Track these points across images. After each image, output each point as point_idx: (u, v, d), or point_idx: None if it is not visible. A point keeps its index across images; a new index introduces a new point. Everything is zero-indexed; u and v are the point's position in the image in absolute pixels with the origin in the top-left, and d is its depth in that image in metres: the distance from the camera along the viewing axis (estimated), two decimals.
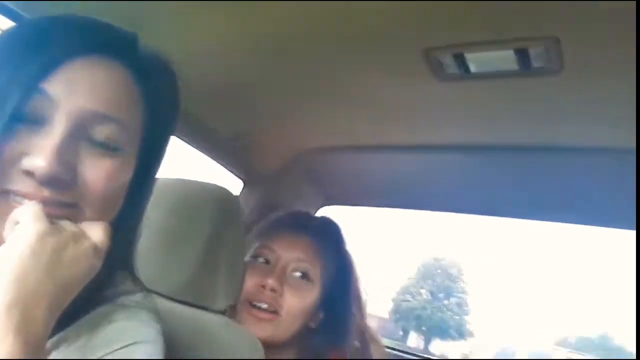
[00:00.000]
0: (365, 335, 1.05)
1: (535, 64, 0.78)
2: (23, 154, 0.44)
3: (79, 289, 0.45)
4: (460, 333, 25.45)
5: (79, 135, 0.46)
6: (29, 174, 0.44)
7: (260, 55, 0.96)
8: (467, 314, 26.45)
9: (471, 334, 26.00)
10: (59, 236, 0.43)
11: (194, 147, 1.32)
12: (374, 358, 1.03)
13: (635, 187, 0.94)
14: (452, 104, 1.01)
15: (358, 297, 1.06)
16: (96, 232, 0.47)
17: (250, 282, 0.94)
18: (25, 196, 0.45)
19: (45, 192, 0.45)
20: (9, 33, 0.49)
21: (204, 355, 0.73)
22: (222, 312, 0.83)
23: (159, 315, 0.57)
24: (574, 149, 1.08)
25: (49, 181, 0.44)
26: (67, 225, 0.46)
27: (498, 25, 0.73)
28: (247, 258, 1.01)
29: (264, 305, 0.93)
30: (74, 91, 0.46)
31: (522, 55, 0.77)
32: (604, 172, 1.12)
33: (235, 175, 1.52)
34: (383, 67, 0.93)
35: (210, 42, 0.93)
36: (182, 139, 1.27)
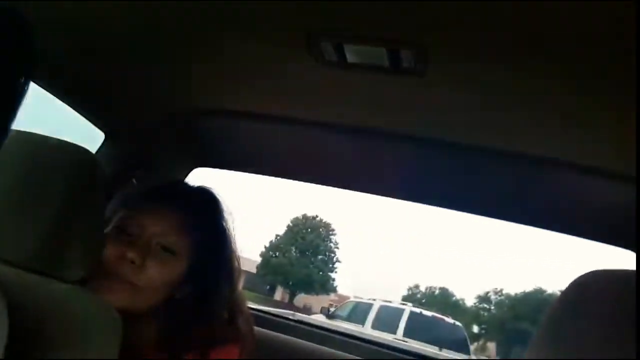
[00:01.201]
0: (234, 306, 1.04)
1: (405, 64, 0.84)
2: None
3: None
4: (324, 288, 27.13)
5: None
6: None
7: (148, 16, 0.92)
8: (332, 272, 28.19)
9: (334, 290, 27.86)
10: None
11: (52, 92, 1.20)
12: (240, 327, 1.02)
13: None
14: (329, 87, 1.06)
15: (231, 269, 1.04)
16: None
17: (111, 253, 0.89)
18: None
19: None
20: None
21: (54, 326, 0.70)
22: (77, 283, 0.80)
23: (1, 287, 0.54)
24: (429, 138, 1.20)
25: None
26: None
27: (375, 25, 0.78)
28: (109, 228, 0.96)
29: (122, 278, 0.89)
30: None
31: (394, 54, 0.83)
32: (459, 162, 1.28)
33: (98, 127, 1.41)
34: (269, 42, 0.93)
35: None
36: (42, 86, 1.15)
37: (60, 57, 1.10)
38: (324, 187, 1.63)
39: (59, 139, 0.80)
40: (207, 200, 1.07)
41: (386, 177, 1.46)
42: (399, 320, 8.90)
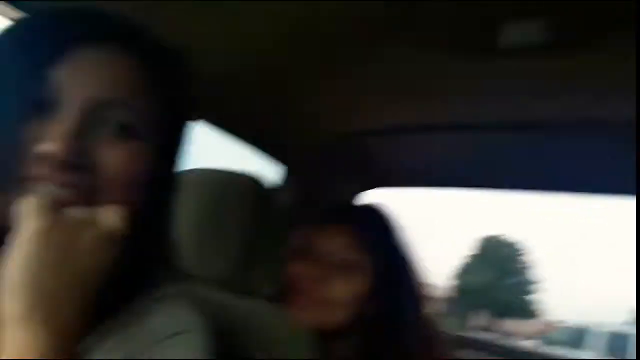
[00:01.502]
0: (425, 327, 0.99)
1: None
2: (37, 141, 0.44)
3: (99, 278, 0.44)
4: (528, 312, 24.69)
5: (90, 121, 0.46)
6: (43, 159, 0.43)
7: (291, 37, 0.95)
8: (533, 293, 25.59)
9: (539, 313, 25.16)
10: (65, 227, 0.42)
11: (231, 136, 1.33)
12: (436, 349, 0.98)
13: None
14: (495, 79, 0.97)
15: (416, 286, 1.01)
16: (108, 217, 0.45)
17: (293, 271, 0.94)
18: (45, 181, 0.44)
19: (62, 177, 0.44)
20: (17, 25, 0.49)
21: (251, 341, 0.74)
22: (267, 299, 0.85)
23: (201, 304, 0.56)
24: None
25: (63, 166, 0.43)
26: (74, 213, 0.44)
27: None
28: (291, 247, 1.01)
29: (308, 293, 0.92)
30: (83, 78, 0.46)
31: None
32: None
33: (275, 163, 1.52)
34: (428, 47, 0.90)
35: (239, 26, 0.92)
36: (217, 128, 1.28)
37: (225, 95, 1.21)
38: (507, 194, 1.49)
39: (242, 171, 0.88)
40: (381, 216, 1.06)
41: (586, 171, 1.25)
42: (627, 343, 7.52)
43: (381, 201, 1.12)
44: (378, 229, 1.02)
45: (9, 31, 0.48)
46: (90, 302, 0.44)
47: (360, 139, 1.43)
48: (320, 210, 1.11)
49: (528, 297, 25.15)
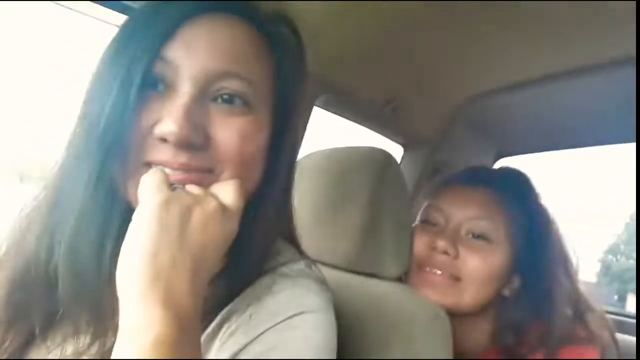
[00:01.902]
0: (578, 302, 0.85)
1: None
2: (155, 122, 0.44)
3: (217, 254, 0.42)
4: None
5: (205, 95, 0.45)
6: (162, 140, 0.44)
7: (395, 10, 0.88)
8: None
9: None
10: (182, 201, 0.41)
11: (347, 118, 1.29)
12: (591, 327, 0.82)
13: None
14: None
15: (564, 258, 0.86)
16: (225, 192, 0.44)
17: (420, 245, 0.84)
18: (164, 164, 0.44)
19: (182, 158, 0.44)
20: (133, 15, 0.49)
21: (379, 325, 0.68)
22: (396, 280, 0.78)
23: (326, 284, 0.54)
24: None
25: (182, 144, 0.43)
26: (191, 189, 0.43)
27: None
28: (416, 222, 0.92)
29: (438, 271, 0.82)
30: (194, 51, 0.45)
31: None
32: None
33: (394, 141, 1.45)
34: None
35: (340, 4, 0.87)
36: (334, 112, 1.25)
37: (347, 82, 1.17)
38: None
39: (359, 146, 0.83)
40: (520, 179, 0.91)
41: None
42: None
43: (518, 167, 0.96)
44: (519, 193, 0.88)
45: (133, 15, 0.49)
46: (210, 279, 0.42)
47: (478, 105, 1.29)
48: (448, 176, 0.99)
49: None
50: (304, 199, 0.76)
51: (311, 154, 0.86)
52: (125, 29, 0.47)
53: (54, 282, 0.45)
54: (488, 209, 0.84)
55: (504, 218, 0.84)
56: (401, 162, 1.48)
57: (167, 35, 0.45)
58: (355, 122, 1.33)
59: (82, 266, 0.44)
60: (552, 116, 1.30)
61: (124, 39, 0.46)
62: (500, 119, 1.38)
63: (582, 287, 0.87)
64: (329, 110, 1.22)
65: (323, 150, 0.86)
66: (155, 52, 0.44)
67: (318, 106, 1.13)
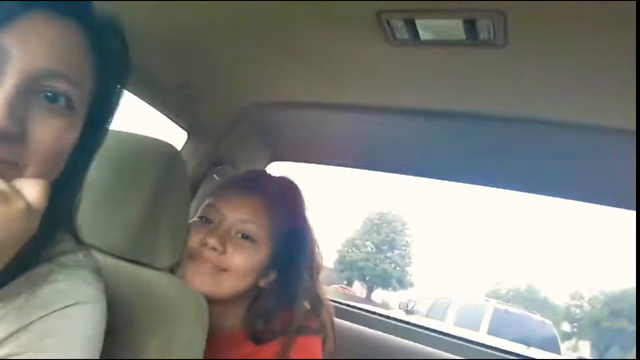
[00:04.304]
0: (316, 298, 1.04)
1: (482, 35, 0.79)
2: None
3: (14, 250, 0.43)
4: (402, 283, 26.78)
5: (30, 90, 0.45)
6: None
7: (211, 6, 0.93)
8: (408, 266, 27.76)
9: (411, 285, 27.41)
10: None
11: (136, 95, 1.27)
12: (323, 318, 1.02)
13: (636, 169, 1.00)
14: (403, 68, 1.03)
15: (311, 260, 1.04)
16: (31, 190, 0.45)
17: (193, 240, 0.93)
18: None
19: None
20: None
21: (145, 312, 0.73)
22: (166, 270, 0.84)
23: (100, 274, 0.57)
24: (518, 119, 1.12)
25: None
26: None
27: None
28: (194, 218, 1.00)
29: (206, 264, 0.92)
30: (27, 46, 0.45)
31: (470, 25, 0.78)
32: (542, 141, 1.19)
33: (180, 126, 1.48)
34: (339, 26, 0.92)
35: None
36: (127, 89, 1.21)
37: (141, 60, 1.15)
38: (398, 177, 1.59)
39: (145, 135, 0.85)
40: (287, 187, 1.07)
41: (465, 161, 1.39)
42: (482, 318, 8.52)
43: (287, 174, 1.13)
44: (286, 202, 1.03)
45: None
46: None
47: (269, 110, 1.43)
48: (229, 178, 1.10)
49: (403, 270, 27.23)
50: (86, 183, 0.75)
51: None
52: None
53: None
54: (257, 215, 0.98)
55: (269, 223, 0.98)
56: (184, 147, 1.52)
57: (5, 21, 0.44)
58: (145, 101, 1.32)
59: None
60: (324, 134, 1.53)
61: None
62: (280, 126, 1.54)
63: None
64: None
65: (112, 132, 0.85)
66: None
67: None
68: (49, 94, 0.47)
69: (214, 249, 0.93)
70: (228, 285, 0.94)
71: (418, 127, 1.30)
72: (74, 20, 0.50)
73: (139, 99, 1.28)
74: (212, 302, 0.84)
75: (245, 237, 0.96)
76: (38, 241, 0.48)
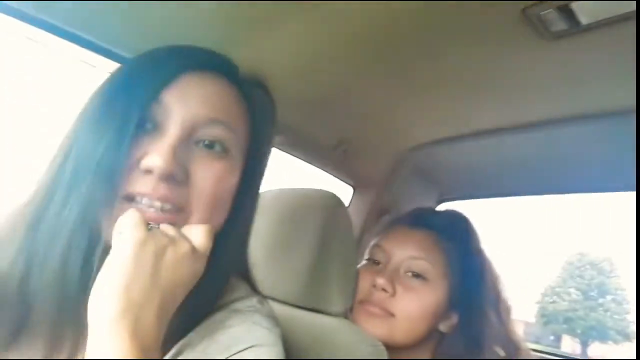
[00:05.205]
0: (510, 342, 0.91)
1: None
2: (142, 156, 0.48)
3: (184, 292, 0.46)
4: (623, 334, 22.60)
5: (191, 138, 0.50)
6: (147, 172, 0.48)
7: (349, 59, 0.95)
8: (627, 313, 23.42)
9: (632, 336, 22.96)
10: (157, 242, 0.45)
11: (300, 158, 1.35)
12: None
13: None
14: (564, 67, 0.90)
15: (497, 299, 0.93)
16: (196, 235, 0.49)
17: (362, 283, 0.90)
18: (145, 195, 0.48)
19: (162, 190, 0.47)
20: (129, 63, 0.55)
21: (321, 357, 0.72)
22: (341, 316, 0.82)
23: (276, 320, 0.57)
24: None
25: (166, 177, 0.47)
26: (166, 229, 0.47)
27: None
28: (363, 260, 0.98)
29: (376, 307, 0.87)
30: (186, 99, 0.51)
31: None
32: None
33: (344, 182, 1.52)
34: (482, 41, 0.86)
35: (298, 53, 0.94)
36: (288, 152, 1.30)
37: (297, 122, 1.23)
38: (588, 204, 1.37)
39: (310, 188, 0.88)
40: (460, 222, 0.98)
41: None
42: None
43: (459, 209, 1.03)
44: (458, 236, 0.94)
45: (129, 63, 0.55)
46: (173, 313, 0.46)
47: (425, 151, 1.39)
48: (394, 217, 1.05)
49: (622, 317, 23.08)
50: (257, 236, 0.80)
51: (270, 190, 0.90)
52: (120, 74, 0.53)
53: (26, 299, 0.48)
54: (426, 250, 0.91)
55: (441, 258, 0.90)
56: (351, 201, 1.55)
57: (166, 82, 0.51)
58: (308, 162, 1.39)
59: (66, 294, 0.47)
60: (490, 166, 1.42)
61: (122, 82, 0.52)
62: (443, 166, 1.48)
63: (521, 327, 0.94)
64: (283, 150, 1.28)
65: (277, 189, 0.91)
66: (155, 94, 0.50)
67: (274, 146, 1.19)
68: (206, 141, 0.51)
69: (383, 290, 0.88)
70: (400, 332, 0.87)
71: (598, 133, 1.12)
72: (225, 77, 0.55)
73: (302, 160, 1.37)
74: (392, 348, 0.79)
75: (416, 275, 0.89)
76: (210, 285, 0.51)
